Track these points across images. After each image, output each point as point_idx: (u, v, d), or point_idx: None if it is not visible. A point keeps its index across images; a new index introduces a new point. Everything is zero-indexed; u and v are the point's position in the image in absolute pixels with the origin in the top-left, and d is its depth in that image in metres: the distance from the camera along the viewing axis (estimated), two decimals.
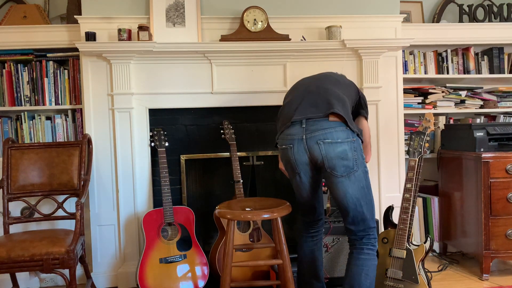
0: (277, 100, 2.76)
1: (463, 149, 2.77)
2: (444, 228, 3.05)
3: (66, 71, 2.78)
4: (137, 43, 2.52)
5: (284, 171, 2.18)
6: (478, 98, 3.24)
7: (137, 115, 2.67)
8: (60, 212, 2.55)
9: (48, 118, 2.81)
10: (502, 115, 3.27)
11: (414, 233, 3.07)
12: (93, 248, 2.65)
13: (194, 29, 2.68)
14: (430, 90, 3.13)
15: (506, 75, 3.28)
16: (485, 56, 3.32)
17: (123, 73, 2.61)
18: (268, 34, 2.68)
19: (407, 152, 2.32)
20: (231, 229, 1.99)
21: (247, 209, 1.99)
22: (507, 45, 3.35)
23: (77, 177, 2.45)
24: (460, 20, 3.30)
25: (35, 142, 2.68)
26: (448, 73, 3.25)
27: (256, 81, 2.75)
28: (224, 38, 2.65)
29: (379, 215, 2.76)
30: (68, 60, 2.80)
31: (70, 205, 2.63)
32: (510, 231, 2.57)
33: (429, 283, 2.16)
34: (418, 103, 3.15)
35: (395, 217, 2.38)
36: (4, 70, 2.75)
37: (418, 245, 2.20)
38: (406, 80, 3.20)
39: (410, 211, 2.24)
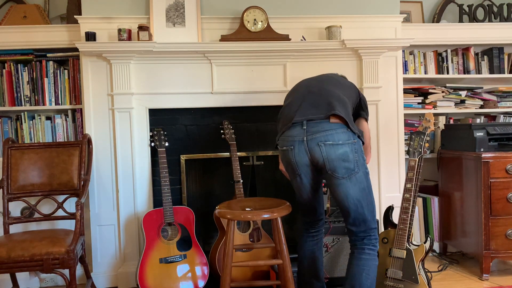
0: (277, 100, 2.76)
1: (463, 149, 2.77)
2: (444, 228, 3.05)
3: (66, 71, 2.78)
4: (137, 43, 2.52)
5: (284, 172, 2.18)
6: (478, 98, 3.24)
7: (137, 115, 2.67)
8: (60, 212, 2.54)
9: (48, 118, 2.81)
10: (502, 115, 3.27)
11: (414, 233, 3.07)
12: (93, 248, 2.65)
13: (194, 29, 2.68)
14: (430, 90, 3.13)
15: (506, 75, 3.28)
16: (485, 56, 3.32)
17: (123, 73, 2.61)
18: (268, 34, 2.68)
19: (407, 152, 2.32)
20: (231, 229, 1.99)
21: (247, 209, 1.99)
22: (507, 45, 3.35)
23: (77, 177, 2.45)
24: (460, 20, 3.30)
25: (35, 142, 2.68)
26: (448, 73, 3.25)
27: (256, 81, 2.75)
28: (224, 38, 2.65)
29: (379, 215, 2.76)
30: (68, 60, 2.80)
31: (70, 205, 2.63)
32: (510, 231, 2.57)
33: (429, 283, 2.16)
34: (418, 103, 3.15)
35: (395, 217, 2.39)
36: (4, 70, 2.75)
37: (418, 245, 2.20)
38: (406, 80, 3.20)
39: (410, 211, 2.24)
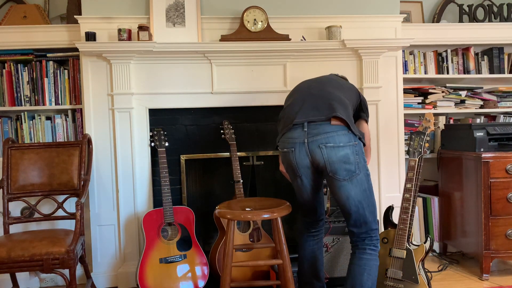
0: (277, 100, 2.76)
1: (463, 149, 2.77)
2: (444, 228, 3.05)
3: (66, 71, 2.78)
4: (137, 43, 2.52)
5: (284, 173, 2.18)
6: (478, 98, 3.24)
7: (137, 115, 2.67)
8: (60, 212, 2.55)
9: (48, 118, 2.81)
10: (502, 115, 3.27)
11: (414, 233, 3.07)
12: (93, 248, 2.65)
13: (194, 29, 2.68)
14: (430, 90, 3.13)
15: (506, 75, 3.28)
16: (485, 56, 3.32)
17: (123, 73, 2.61)
18: (268, 34, 2.68)
19: (407, 152, 2.32)
20: (231, 229, 1.99)
21: (247, 209, 1.99)
22: (507, 45, 3.35)
23: (77, 177, 2.45)
24: (460, 20, 3.30)
25: (35, 142, 2.68)
26: (448, 73, 3.25)
27: (256, 81, 2.75)
28: (224, 38, 2.65)
29: (379, 215, 2.76)
30: (68, 60, 2.80)
31: (70, 205, 2.63)
32: (510, 231, 2.57)
33: (429, 283, 2.16)
34: (418, 103, 3.15)
35: (395, 217, 2.39)
36: (4, 70, 2.75)
37: (418, 245, 2.20)
38: (406, 80, 3.20)
39: (410, 211, 2.24)
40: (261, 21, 2.69)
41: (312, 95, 1.96)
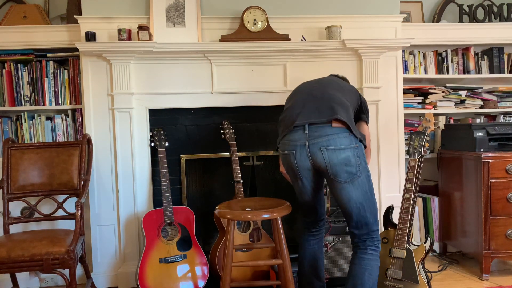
0: (277, 100, 2.76)
1: (463, 149, 2.77)
2: (444, 228, 3.05)
3: (66, 71, 2.78)
4: (137, 43, 2.52)
5: (284, 174, 2.18)
6: (478, 98, 3.24)
7: (137, 115, 2.67)
8: (60, 212, 2.55)
9: (48, 118, 2.81)
10: (502, 115, 3.27)
11: (414, 233, 3.07)
12: (93, 248, 2.65)
13: (194, 29, 2.68)
14: (430, 90, 3.13)
15: (506, 75, 3.28)
16: (485, 56, 3.32)
17: (123, 73, 2.61)
18: (268, 34, 2.68)
19: (407, 152, 2.32)
20: (231, 229, 1.99)
21: (247, 209, 1.99)
22: (507, 45, 3.35)
23: (77, 177, 2.45)
24: (460, 20, 3.30)
25: (35, 142, 2.68)
26: (448, 73, 3.25)
27: (256, 81, 2.75)
28: (224, 38, 2.65)
29: (379, 215, 2.76)
30: (68, 60, 2.80)
31: (70, 205, 2.63)
32: (510, 231, 2.57)
33: (429, 283, 2.16)
34: (418, 103, 3.15)
35: (395, 217, 2.39)
36: (4, 70, 2.75)
37: (418, 245, 2.20)
38: (406, 80, 3.20)
39: (410, 211, 2.24)
40: (261, 21, 2.69)
41: (313, 97, 1.96)
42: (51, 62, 2.76)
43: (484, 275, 2.59)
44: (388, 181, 2.87)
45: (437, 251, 3.11)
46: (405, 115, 3.13)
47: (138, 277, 2.35)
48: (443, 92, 3.15)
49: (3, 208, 2.35)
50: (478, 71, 3.30)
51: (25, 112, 2.77)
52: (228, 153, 2.75)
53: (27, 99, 2.76)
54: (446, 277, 2.67)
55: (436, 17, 3.38)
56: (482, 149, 2.64)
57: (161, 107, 2.70)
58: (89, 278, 2.46)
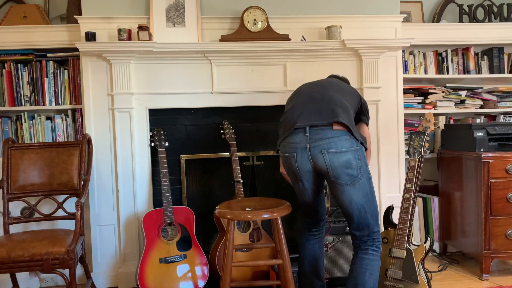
0: (277, 100, 2.76)
1: (463, 149, 2.77)
2: (444, 228, 3.05)
3: (66, 71, 2.78)
4: (137, 43, 2.52)
5: (285, 175, 2.18)
6: (478, 98, 3.24)
7: (137, 115, 2.67)
8: (60, 212, 2.55)
9: (48, 118, 2.81)
10: (502, 115, 3.27)
11: (414, 233, 3.07)
12: (93, 248, 2.65)
13: (194, 29, 2.68)
14: (430, 90, 3.13)
15: (506, 75, 3.28)
16: (485, 56, 3.32)
17: (123, 73, 2.61)
18: (268, 34, 2.68)
19: (407, 152, 2.32)
20: (231, 229, 1.99)
21: (247, 209, 1.99)
22: (507, 45, 3.35)
23: (77, 177, 2.45)
24: (460, 20, 3.30)
25: (35, 142, 2.68)
26: (448, 73, 3.25)
27: (256, 81, 2.75)
28: (224, 38, 2.65)
29: (379, 215, 2.76)
30: (68, 60, 2.80)
31: (70, 205, 2.63)
32: (510, 231, 2.57)
33: (429, 283, 2.16)
34: (418, 103, 3.15)
35: (395, 217, 2.39)
36: (4, 70, 2.75)
37: (418, 245, 2.20)
38: (406, 80, 3.20)
39: (410, 211, 2.24)
40: (261, 21, 2.69)
41: (313, 99, 1.95)
42: (51, 62, 2.77)
43: (484, 275, 2.59)
44: (388, 181, 2.87)
45: (437, 251, 3.11)
46: (405, 115, 3.13)
47: (138, 277, 2.35)
48: (443, 92, 3.15)
49: (3, 208, 2.35)
50: (478, 71, 3.30)
51: (25, 112, 2.77)
52: (228, 153, 2.75)
53: (27, 99, 2.76)
54: (446, 277, 2.67)
55: (436, 17, 3.38)
56: (482, 149, 2.64)
57: (161, 107, 2.70)
58: (89, 278, 2.46)
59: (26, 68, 2.76)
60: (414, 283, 2.16)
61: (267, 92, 2.76)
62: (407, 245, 2.22)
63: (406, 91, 3.10)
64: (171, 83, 2.69)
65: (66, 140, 2.79)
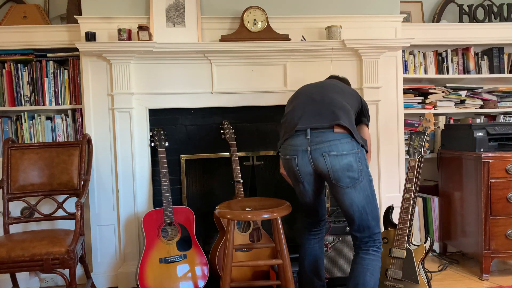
0: (277, 100, 2.76)
1: (463, 149, 2.77)
2: (444, 228, 3.05)
3: (66, 71, 2.78)
4: (137, 43, 2.52)
5: (285, 176, 2.18)
6: (478, 98, 3.24)
7: (137, 115, 2.67)
8: (60, 212, 2.55)
9: (48, 118, 2.81)
10: (502, 115, 3.27)
11: (414, 233, 3.07)
12: (93, 248, 2.65)
13: (194, 29, 2.68)
14: (430, 90, 3.13)
15: (506, 75, 3.28)
16: (485, 56, 3.32)
17: (123, 73, 2.61)
18: (268, 34, 2.68)
19: (407, 152, 2.32)
20: (231, 229, 1.99)
21: (247, 209, 1.99)
22: (507, 45, 3.35)
23: (77, 177, 2.45)
24: (460, 20, 3.30)
25: (35, 142, 2.68)
26: (448, 73, 3.25)
27: (256, 81, 2.75)
28: (224, 38, 2.65)
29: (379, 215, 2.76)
30: (68, 60, 2.80)
31: (70, 205, 2.63)
32: (510, 231, 2.57)
33: (429, 283, 2.16)
34: (418, 103, 3.15)
35: (395, 217, 2.39)
36: (4, 70, 2.75)
37: (418, 245, 2.20)
38: (406, 80, 3.20)
39: (410, 211, 2.24)
40: (261, 21, 2.69)
41: (314, 101, 1.95)
42: (51, 62, 2.76)
43: (484, 275, 2.59)
44: (388, 181, 2.87)
45: (437, 251, 3.11)
46: (405, 115, 3.12)
47: (138, 277, 2.35)
48: (443, 92, 3.15)
49: (3, 208, 2.35)
50: (478, 71, 3.30)
51: (25, 112, 2.77)
52: (228, 153, 2.75)
53: (27, 99, 2.76)
54: (446, 277, 2.67)
55: (436, 17, 3.38)
56: (482, 149, 2.64)
57: (161, 107, 2.70)
58: (89, 278, 2.46)
59: (26, 68, 2.76)
60: (414, 283, 2.16)
61: (267, 92, 2.76)
62: (407, 245, 2.22)
63: (406, 91, 3.10)
64: (171, 83, 2.69)
65: (66, 140, 2.79)
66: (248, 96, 2.75)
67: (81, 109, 2.77)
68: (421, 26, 3.16)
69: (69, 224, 2.70)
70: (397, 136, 2.89)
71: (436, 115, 3.23)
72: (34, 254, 2.01)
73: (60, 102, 2.78)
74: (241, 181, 2.60)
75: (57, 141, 2.75)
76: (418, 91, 3.17)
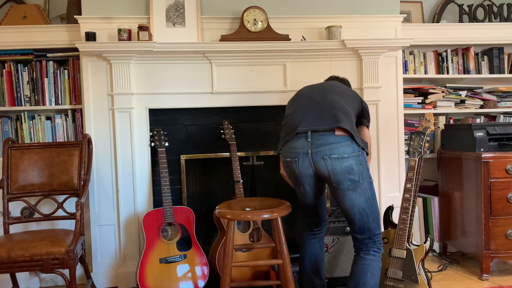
0: (277, 100, 2.76)
1: (463, 149, 2.77)
2: (444, 228, 3.05)
3: (66, 71, 2.78)
4: (137, 43, 2.52)
5: (285, 177, 2.18)
6: (478, 98, 3.24)
7: (137, 115, 2.67)
8: (60, 212, 2.55)
9: (48, 118, 2.81)
10: (502, 115, 3.27)
11: (414, 233, 3.07)
12: (93, 248, 2.65)
13: (194, 29, 2.68)
14: (430, 90, 3.13)
15: (506, 75, 3.28)
16: (485, 56, 3.32)
17: (123, 73, 2.61)
18: (268, 34, 2.68)
19: (407, 152, 2.32)
20: (231, 229, 1.99)
21: (247, 209, 1.99)
22: (507, 45, 3.35)
23: (77, 177, 2.45)
24: (460, 20, 3.30)
25: (35, 142, 2.68)
26: (448, 73, 3.25)
27: (256, 81, 2.75)
28: (224, 38, 2.65)
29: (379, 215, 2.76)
30: (68, 60, 2.80)
31: (70, 205, 2.63)
32: (510, 231, 2.57)
33: (429, 283, 2.16)
34: (418, 103, 3.15)
35: (395, 217, 2.39)
36: (4, 70, 2.75)
37: (418, 245, 2.20)
38: (406, 80, 3.20)
39: (410, 211, 2.24)
40: (261, 21, 2.69)
41: (315, 103, 1.95)
42: (51, 62, 2.76)
43: (484, 275, 2.59)
44: (388, 181, 2.87)
45: (437, 251, 3.11)
46: (405, 115, 3.13)
47: (138, 277, 2.35)
48: (443, 92, 3.15)
49: (3, 208, 2.35)
50: (478, 71, 3.30)
51: (25, 112, 2.77)
52: (228, 153, 2.75)
53: (27, 99, 2.76)
54: (446, 277, 2.67)
55: (436, 17, 3.38)
56: (482, 149, 2.64)
57: (161, 107, 2.70)
58: (89, 278, 2.46)
59: (26, 68, 2.76)
60: (414, 283, 2.16)
61: (267, 92, 2.76)
62: (407, 245, 2.22)
63: (406, 91, 3.10)
64: (171, 83, 2.69)
65: (66, 140, 2.79)
66: (248, 96, 2.75)
67: (81, 109, 2.77)
68: (421, 26, 3.16)
69: (69, 224, 2.70)
70: (397, 136, 2.89)
71: (436, 115, 3.23)
72: (34, 254, 2.01)
73: (60, 102, 2.78)
74: (241, 181, 2.60)
75: (57, 141, 2.75)
76: (418, 91, 3.17)
